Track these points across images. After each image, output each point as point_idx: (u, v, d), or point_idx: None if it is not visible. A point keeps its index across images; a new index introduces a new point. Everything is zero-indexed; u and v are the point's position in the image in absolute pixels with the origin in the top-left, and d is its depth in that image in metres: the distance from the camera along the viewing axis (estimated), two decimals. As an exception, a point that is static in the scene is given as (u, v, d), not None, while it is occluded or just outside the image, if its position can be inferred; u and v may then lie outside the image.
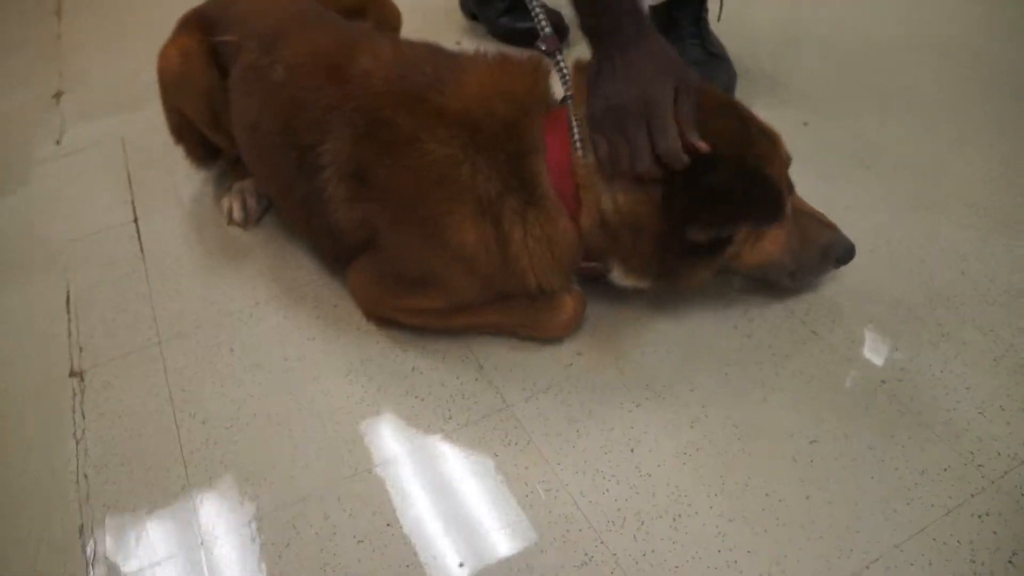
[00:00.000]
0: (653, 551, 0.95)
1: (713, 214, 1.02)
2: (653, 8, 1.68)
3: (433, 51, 1.18)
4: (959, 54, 1.76)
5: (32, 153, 1.81)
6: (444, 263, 1.10)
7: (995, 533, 0.93)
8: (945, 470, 1.00)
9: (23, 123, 1.93)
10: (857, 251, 1.17)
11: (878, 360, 1.14)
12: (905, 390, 1.09)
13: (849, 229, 1.27)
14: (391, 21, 1.50)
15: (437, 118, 1.06)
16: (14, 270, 1.48)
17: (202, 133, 1.43)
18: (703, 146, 0.97)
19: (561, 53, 1.11)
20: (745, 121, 1.05)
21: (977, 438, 1.03)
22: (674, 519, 0.98)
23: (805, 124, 1.57)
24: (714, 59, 1.61)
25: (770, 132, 1.08)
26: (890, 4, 1.97)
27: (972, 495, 0.97)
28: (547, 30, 1.12)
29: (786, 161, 1.10)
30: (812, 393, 1.10)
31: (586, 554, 0.96)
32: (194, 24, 1.37)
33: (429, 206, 1.07)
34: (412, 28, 2.00)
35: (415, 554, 0.97)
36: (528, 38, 1.87)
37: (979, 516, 0.95)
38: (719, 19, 1.67)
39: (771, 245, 1.11)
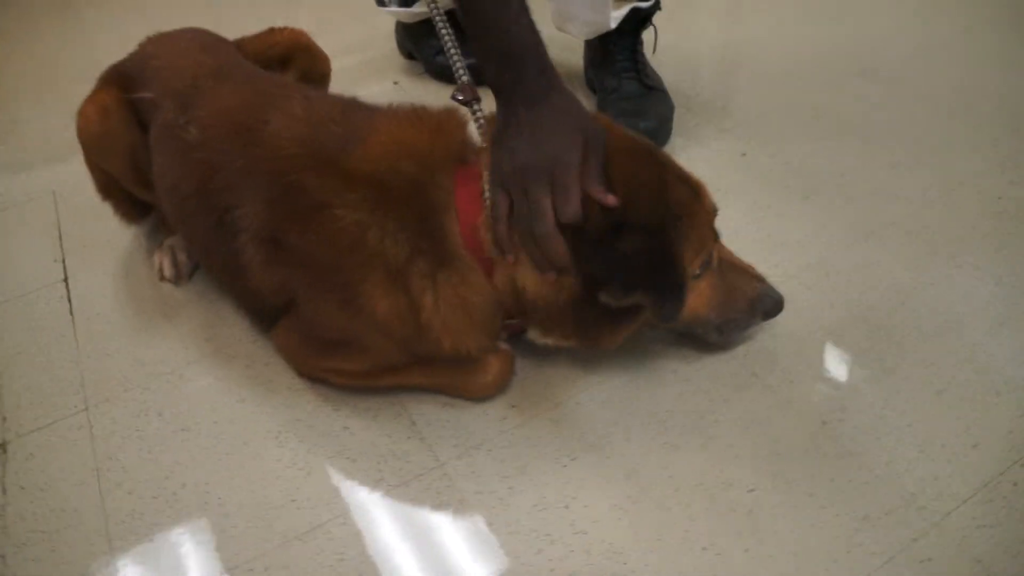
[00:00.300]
0: (586, 615, 0.92)
1: (626, 281, 0.98)
2: (588, 43, 1.67)
3: (346, 107, 1.14)
4: (897, 77, 1.77)
5: (-40, 212, 1.76)
6: (361, 328, 1.07)
7: (937, 580, 0.91)
8: (887, 514, 0.97)
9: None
10: (796, 287, 1.15)
11: (818, 400, 1.11)
12: (846, 430, 1.07)
13: (787, 265, 1.26)
14: (319, 67, 1.47)
15: (345, 181, 1.02)
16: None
17: (130, 191, 1.39)
18: (611, 200, 0.94)
19: (479, 102, 1.09)
20: (662, 173, 1.01)
21: (919, 478, 1.00)
22: (609, 579, 0.95)
23: (743, 155, 1.55)
24: (651, 92, 1.59)
25: (693, 182, 1.05)
26: (827, 29, 1.96)
27: (914, 539, 0.94)
28: (464, 78, 1.10)
29: (711, 212, 1.06)
30: (751, 439, 1.07)
31: (519, 620, 0.93)
32: (112, 80, 1.33)
33: (342, 273, 1.03)
34: (350, 68, 1.99)
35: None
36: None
37: (921, 562, 0.92)
38: (654, 51, 1.66)
39: (696, 300, 1.08)
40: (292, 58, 1.42)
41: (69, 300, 1.45)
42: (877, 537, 0.95)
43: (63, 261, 1.55)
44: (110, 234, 1.56)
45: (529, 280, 1.01)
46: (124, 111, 1.30)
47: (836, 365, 1.15)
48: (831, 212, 1.40)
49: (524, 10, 0.99)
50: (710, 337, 1.15)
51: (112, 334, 1.37)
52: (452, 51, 1.13)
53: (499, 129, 1.01)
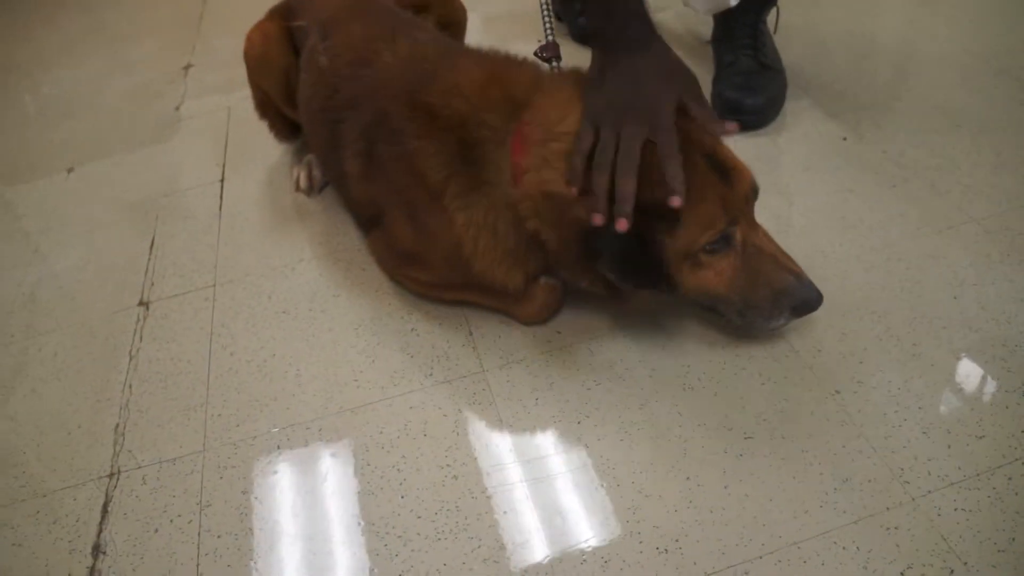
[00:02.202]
0: (567, 511, 1.03)
1: (612, 259, 1.05)
2: (714, 18, 1.72)
3: (443, 50, 1.28)
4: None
5: (155, 117, 2.10)
6: (420, 244, 1.22)
7: (897, 547, 0.94)
8: (869, 481, 1.01)
9: (155, 90, 2.24)
10: (854, 266, 1.16)
11: (839, 370, 1.15)
12: (855, 401, 1.10)
13: (851, 245, 1.30)
14: (455, 16, 1.62)
15: (413, 111, 1.16)
16: (117, 217, 1.75)
17: (281, 110, 1.62)
18: (676, 200, 0.97)
19: (559, 60, 1.19)
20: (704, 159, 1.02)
21: (913, 456, 1.03)
22: (596, 488, 1.05)
23: (844, 139, 1.56)
24: (765, 70, 1.62)
25: (724, 164, 1.05)
26: (969, 28, 1.87)
27: (888, 508, 0.98)
28: (550, 37, 1.21)
29: (739, 194, 1.06)
30: (764, 394, 1.13)
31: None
32: (278, 11, 1.57)
33: (406, 192, 1.19)
34: (500, 26, 2.13)
35: (358, 486, 1.11)
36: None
37: (887, 528, 0.96)
38: (775, 31, 1.69)
39: (714, 276, 1.08)
40: (429, 4, 1.58)
41: (221, 198, 1.72)
42: (851, 499, 1.00)
43: (223, 166, 1.82)
44: (264, 149, 1.82)
45: (546, 229, 1.10)
46: (282, 37, 1.52)
47: (868, 341, 1.18)
48: (913, 202, 1.39)
49: None
50: (732, 319, 1.16)
51: (248, 230, 1.62)
52: (545, 12, 1.24)
53: (596, 74, 1.07)
